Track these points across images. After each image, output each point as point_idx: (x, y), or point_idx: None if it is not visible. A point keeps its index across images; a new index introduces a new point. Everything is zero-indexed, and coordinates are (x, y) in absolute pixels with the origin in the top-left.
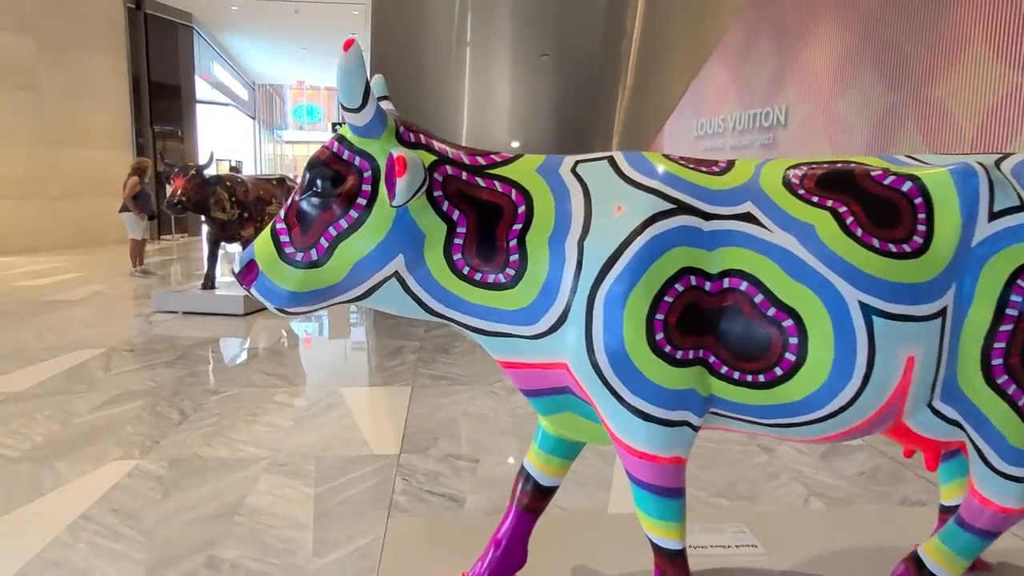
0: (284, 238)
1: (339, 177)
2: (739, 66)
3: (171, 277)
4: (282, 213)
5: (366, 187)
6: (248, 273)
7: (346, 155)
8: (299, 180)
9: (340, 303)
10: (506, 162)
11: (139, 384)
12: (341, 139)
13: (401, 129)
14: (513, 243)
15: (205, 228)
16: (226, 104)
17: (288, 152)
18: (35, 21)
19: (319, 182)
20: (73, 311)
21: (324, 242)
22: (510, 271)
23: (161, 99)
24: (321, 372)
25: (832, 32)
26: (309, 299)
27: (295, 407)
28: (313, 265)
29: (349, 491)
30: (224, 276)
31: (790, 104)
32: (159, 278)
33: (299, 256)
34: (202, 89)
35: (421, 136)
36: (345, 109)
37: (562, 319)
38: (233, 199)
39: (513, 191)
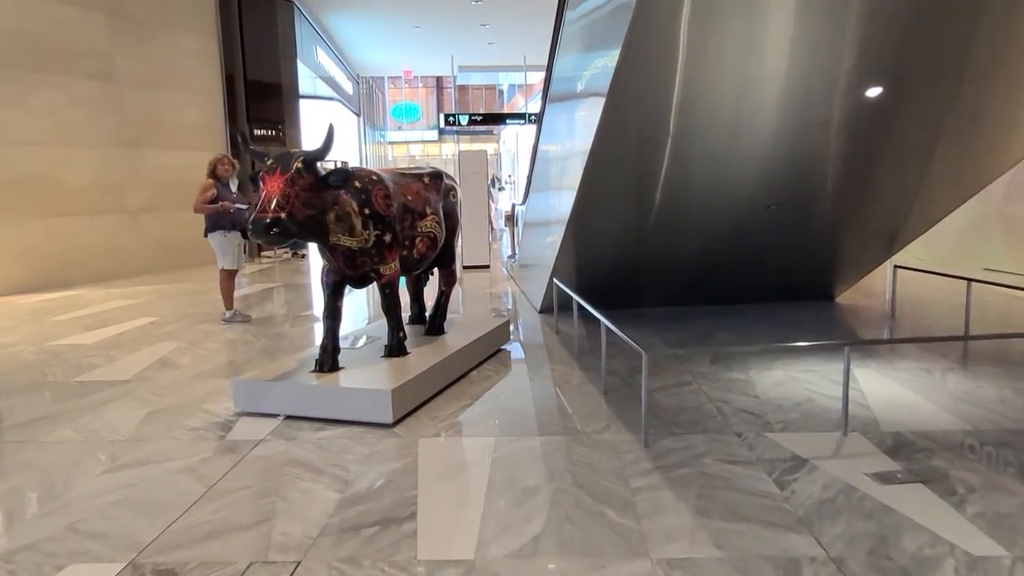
0: None
1: None
2: None
3: (266, 332)
4: None
5: None
6: None
7: None
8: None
9: None
10: None
11: None
12: None
13: None
14: None
15: (321, 262)
16: (330, 98)
17: (388, 153)
18: None
19: None
20: (109, 414)
21: None
22: None
23: (258, 90)
24: None
25: None
26: None
27: None
28: None
29: None
30: (361, 344)
31: None
32: (253, 330)
33: None
34: (303, 80)
35: None
36: None
37: None
38: (367, 211)
39: None
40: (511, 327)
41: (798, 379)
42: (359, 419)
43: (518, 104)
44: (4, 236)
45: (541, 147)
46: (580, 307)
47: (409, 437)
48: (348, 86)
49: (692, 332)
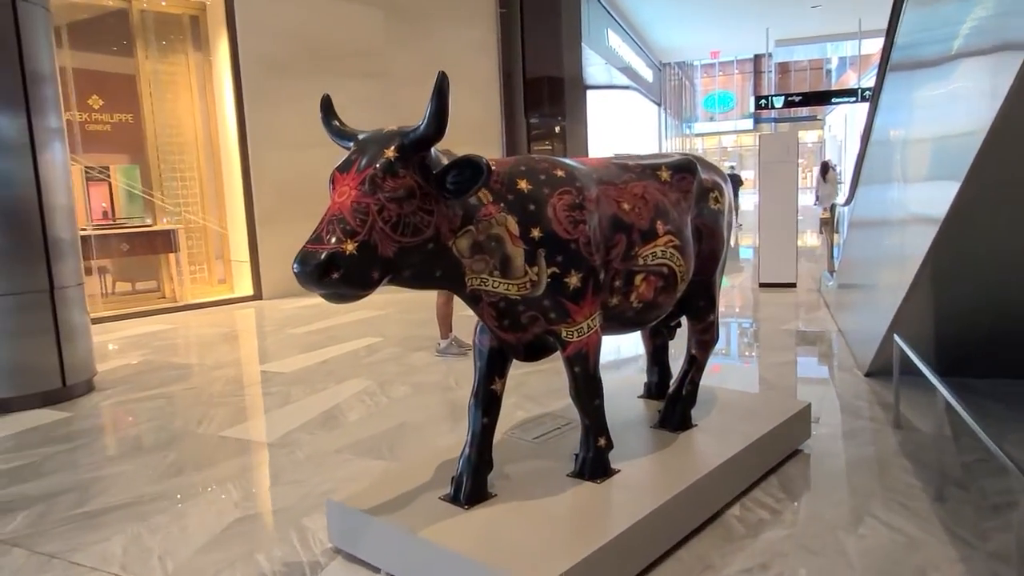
0: None
1: None
2: None
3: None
4: None
5: None
6: None
7: None
8: None
9: None
10: None
11: None
12: None
13: None
14: None
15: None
16: (625, 87)
17: (699, 146)
18: None
19: None
20: (191, 513)
21: None
22: None
23: (538, 80)
24: None
25: None
26: None
27: None
28: None
29: None
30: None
31: None
32: (463, 368)
33: None
34: (595, 68)
35: None
36: None
37: None
38: (537, 233)
39: None
40: (814, 406)
41: None
42: None
43: (849, 81)
44: (280, 238)
45: (878, 129)
46: (945, 381)
47: None
48: (648, 74)
49: None
